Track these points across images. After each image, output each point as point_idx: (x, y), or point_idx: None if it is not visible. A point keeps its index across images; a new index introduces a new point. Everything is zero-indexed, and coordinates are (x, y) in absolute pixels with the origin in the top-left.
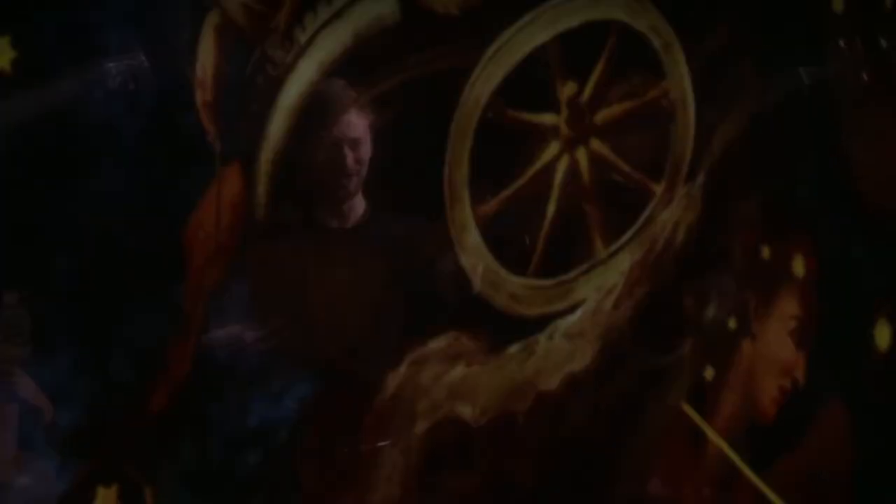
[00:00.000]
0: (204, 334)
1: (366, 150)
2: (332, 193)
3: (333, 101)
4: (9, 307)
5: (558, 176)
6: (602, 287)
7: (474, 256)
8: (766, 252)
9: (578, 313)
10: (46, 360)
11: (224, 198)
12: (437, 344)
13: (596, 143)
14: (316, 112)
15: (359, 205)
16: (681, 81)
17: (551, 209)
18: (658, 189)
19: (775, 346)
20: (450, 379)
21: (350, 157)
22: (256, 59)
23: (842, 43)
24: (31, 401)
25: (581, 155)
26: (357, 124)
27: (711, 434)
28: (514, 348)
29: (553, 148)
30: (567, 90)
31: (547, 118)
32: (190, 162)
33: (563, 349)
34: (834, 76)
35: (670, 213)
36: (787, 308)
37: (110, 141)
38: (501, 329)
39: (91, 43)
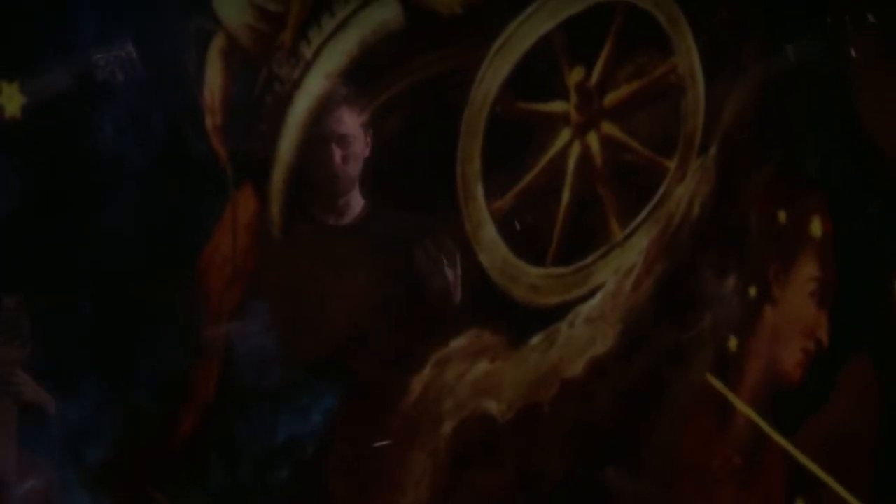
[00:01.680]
0: (226, 356)
1: (358, 147)
2: (323, 191)
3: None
4: (8, 310)
5: (571, 162)
6: (620, 269)
7: (491, 251)
8: (782, 217)
9: (598, 297)
10: (71, 398)
11: (239, 220)
12: (459, 342)
13: (607, 126)
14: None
15: (356, 202)
16: (688, 55)
17: (566, 196)
18: (671, 165)
19: (797, 309)
20: (474, 376)
21: (338, 155)
22: (264, 78)
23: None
24: (32, 399)
25: (592, 139)
26: (347, 121)
27: (738, 403)
28: (535, 339)
29: (564, 135)
30: (575, 76)
31: (556, 106)
32: (203, 188)
33: (585, 335)
34: (839, 41)
35: (685, 188)
36: (807, 270)
37: (123, 172)
38: (522, 321)
39: (98, 80)
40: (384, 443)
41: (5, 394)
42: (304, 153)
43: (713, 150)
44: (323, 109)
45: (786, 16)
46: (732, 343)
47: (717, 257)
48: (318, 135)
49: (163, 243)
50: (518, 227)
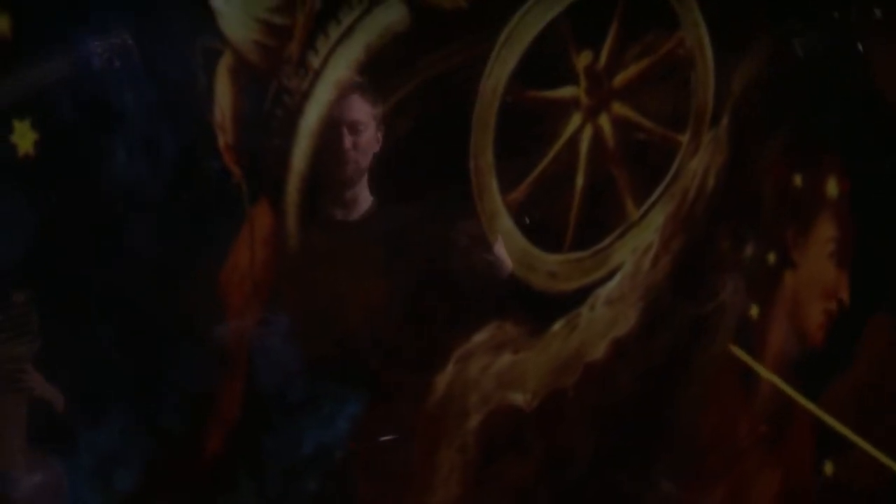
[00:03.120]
0: (250, 371)
1: (369, 139)
2: (332, 180)
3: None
4: (17, 306)
5: (583, 146)
6: (638, 248)
7: (507, 243)
8: (797, 180)
9: (617, 278)
10: (98, 425)
11: (256, 236)
12: (481, 336)
13: (618, 106)
14: None
15: (364, 198)
16: (696, 28)
17: (580, 181)
18: (684, 139)
19: (817, 271)
20: (497, 368)
21: (347, 141)
22: (273, 92)
23: None
24: (41, 396)
25: (604, 121)
26: (358, 108)
27: (762, 371)
28: (557, 326)
29: (575, 120)
30: (583, 60)
31: (566, 92)
32: (219, 206)
33: (606, 317)
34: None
35: (698, 162)
36: (825, 231)
37: (138, 197)
38: (543, 309)
39: (108, 109)
40: (391, 437)
41: (14, 390)
42: (316, 151)
43: (725, 121)
44: (336, 100)
45: None
46: (754, 311)
47: (734, 227)
48: (330, 120)
49: (181, 263)
50: (527, 221)
